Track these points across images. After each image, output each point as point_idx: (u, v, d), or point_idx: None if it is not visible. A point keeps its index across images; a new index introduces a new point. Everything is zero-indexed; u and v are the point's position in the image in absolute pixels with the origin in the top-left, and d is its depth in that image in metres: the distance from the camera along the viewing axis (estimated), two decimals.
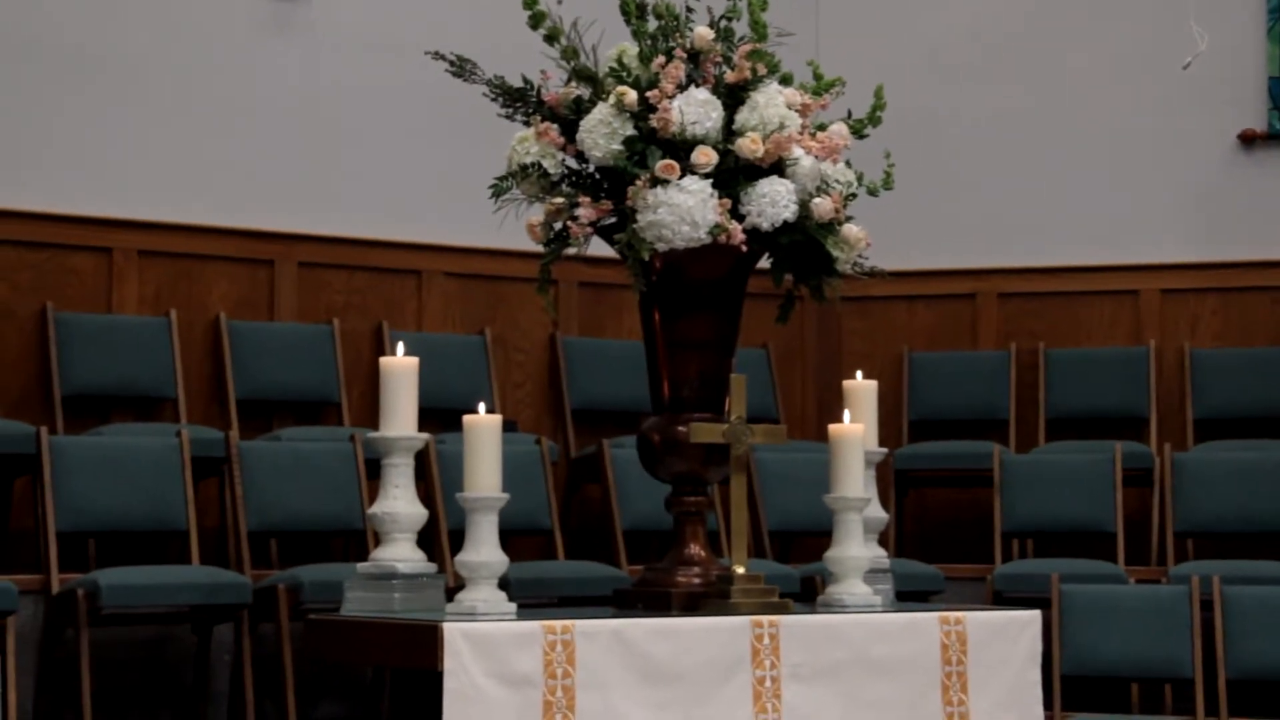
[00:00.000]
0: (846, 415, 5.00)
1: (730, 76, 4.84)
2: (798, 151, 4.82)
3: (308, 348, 7.76)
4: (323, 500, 6.78)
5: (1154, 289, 8.86)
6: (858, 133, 5.01)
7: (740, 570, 4.72)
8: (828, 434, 4.96)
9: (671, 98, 4.75)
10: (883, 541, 5.25)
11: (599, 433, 8.00)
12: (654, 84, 4.78)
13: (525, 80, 4.92)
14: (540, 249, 4.86)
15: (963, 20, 9.14)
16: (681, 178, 4.69)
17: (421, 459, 6.59)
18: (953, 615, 4.85)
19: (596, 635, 4.40)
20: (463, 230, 8.00)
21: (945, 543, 8.62)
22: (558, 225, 4.82)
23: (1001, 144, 9.04)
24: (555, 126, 4.83)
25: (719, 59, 4.89)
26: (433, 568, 4.62)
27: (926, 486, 8.81)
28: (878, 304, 8.96)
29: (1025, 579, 7.49)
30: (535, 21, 4.85)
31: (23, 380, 7.27)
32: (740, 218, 4.74)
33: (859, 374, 5.18)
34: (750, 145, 4.76)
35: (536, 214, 4.88)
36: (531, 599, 6.38)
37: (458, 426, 4.63)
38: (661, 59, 4.80)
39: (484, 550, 4.47)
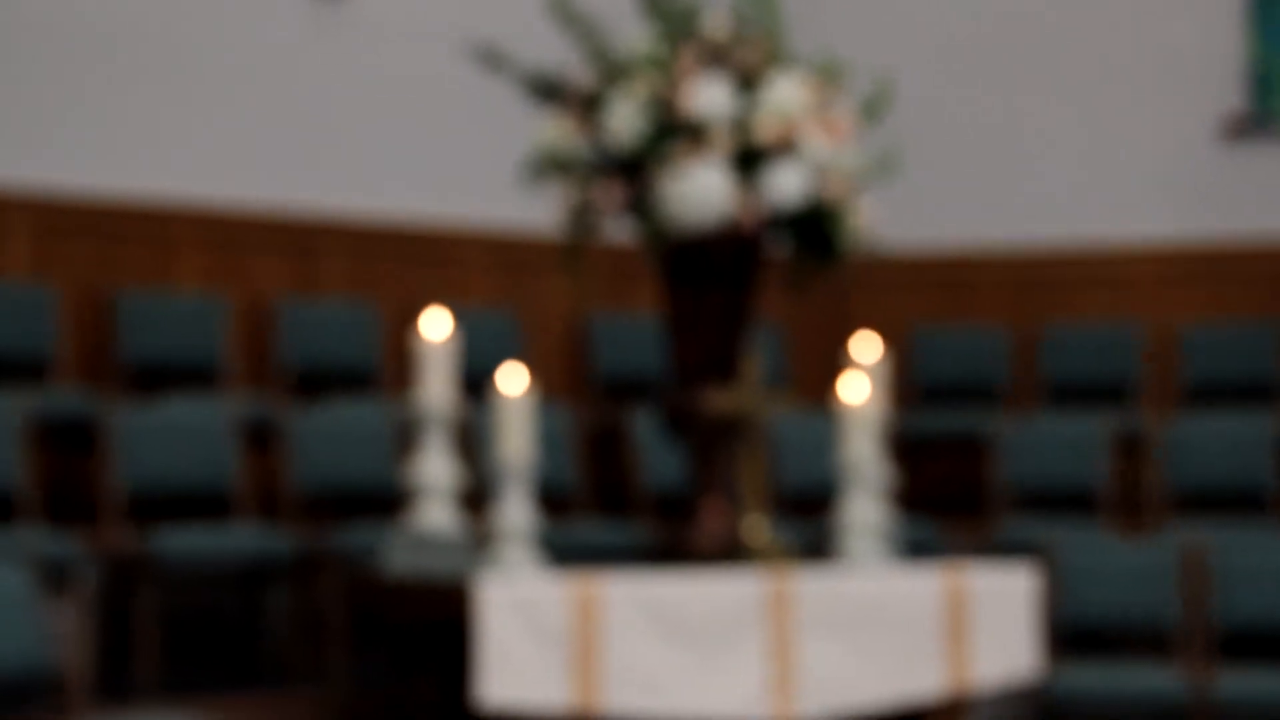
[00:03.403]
0: (854, 384, 5.24)
1: (746, 64, 5.06)
2: (809, 136, 5.04)
3: (352, 322, 8.08)
4: (365, 466, 7.06)
5: (1145, 266, 9.14)
6: (867, 118, 5.22)
7: (756, 531, 4.97)
8: (837, 402, 5.22)
9: (690, 84, 4.98)
10: (888, 504, 5.48)
11: (624, 402, 8.25)
12: (673, 71, 5.00)
13: (553, 69, 5.15)
14: (569, 228, 5.11)
15: (968, 9, 9.33)
16: (699, 161, 4.93)
17: (457, 428, 6.84)
18: (954, 573, 5.11)
19: (622, 594, 4.64)
20: (496, 209, 8.23)
21: (946, 506, 8.88)
22: (584, 206, 5.07)
23: (1004, 124, 9.27)
24: (582, 113, 5.06)
25: (735, 47, 5.10)
26: (468, 531, 4.88)
27: (929, 453, 9.06)
28: (884, 278, 9.20)
29: (1022, 541, 7.75)
30: (558, 11, 5.07)
31: (86, 352, 7.53)
32: (754, 199, 4.98)
33: (867, 344, 5.41)
34: (764, 130, 4.99)
35: (564, 196, 5.12)
36: (560, 560, 6.61)
37: (491, 397, 4.90)
38: (680, 47, 5.02)
39: (516, 514, 4.73)
